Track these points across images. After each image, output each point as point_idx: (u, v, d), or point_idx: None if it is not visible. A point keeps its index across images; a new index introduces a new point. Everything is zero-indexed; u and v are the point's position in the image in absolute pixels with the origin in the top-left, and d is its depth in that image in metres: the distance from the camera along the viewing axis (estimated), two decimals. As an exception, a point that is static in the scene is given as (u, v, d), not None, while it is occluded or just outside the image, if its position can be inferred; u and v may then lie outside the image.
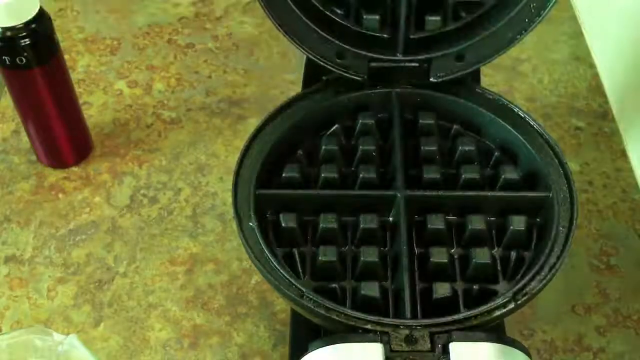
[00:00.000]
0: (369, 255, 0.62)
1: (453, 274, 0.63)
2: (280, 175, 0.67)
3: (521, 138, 0.68)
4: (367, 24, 0.70)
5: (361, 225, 0.63)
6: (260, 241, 0.61)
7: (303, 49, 0.69)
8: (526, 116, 0.69)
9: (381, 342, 0.55)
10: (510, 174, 0.67)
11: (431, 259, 0.62)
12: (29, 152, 0.90)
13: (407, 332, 0.56)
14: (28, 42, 0.76)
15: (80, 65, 1.00)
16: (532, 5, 0.67)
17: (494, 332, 0.57)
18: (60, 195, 0.86)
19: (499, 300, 0.58)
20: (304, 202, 0.65)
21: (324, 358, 0.55)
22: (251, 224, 0.62)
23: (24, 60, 0.77)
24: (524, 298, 0.58)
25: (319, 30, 0.69)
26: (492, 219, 0.65)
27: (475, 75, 0.73)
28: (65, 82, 0.83)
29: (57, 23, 1.03)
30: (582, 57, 1.01)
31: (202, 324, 0.76)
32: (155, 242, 0.82)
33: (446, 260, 0.62)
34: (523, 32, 0.68)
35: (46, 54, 0.79)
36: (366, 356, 0.54)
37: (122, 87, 0.98)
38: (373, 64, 0.70)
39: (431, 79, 0.70)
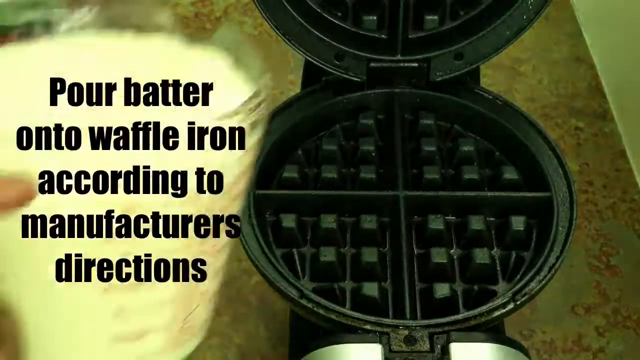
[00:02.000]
0: (369, 255, 0.62)
1: (453, 274, 0.62)
2: (279, 176, 0.67)
3: (521, 138, 0.67)
4: (366, 25, 0.70)
5: (361, 226, 0.63)
6: (260, 241, 0.61)
7: (301, 51, 0.69)
8: (526, 116, 0.69)
9: (380, 342, 0.55)
10: (510, 174, 0.67)
11: (431, 260, 0.62)
12: (29, 153, 0.89)
13: (406, 332, 0.56)
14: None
15: (80, 65, 1.00)
16: (529, 3, 0.67)
17: (494, 332, 0.57)
18: (60, 196, 0.86)
19: (499, 301, 0.58)
20: (304, 203, 0.65)
21: (324, 358, 0.55)
22: (251, 224, 0.62)
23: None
24: (524, 298, 0.58)
25: (317, 33, 0.68)
26: (492, 219, 0.65)
27: (475, 75, 0.73)
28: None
29: (57, 23, 1.03)
30: (582, 57, 1.01)
31: (202, 324, 0.76)
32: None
33: (446, 261, 0.62)
34: (521, 30, 0.68)
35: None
36: (365, 356, 0.54)
37: (122, 87, 0.97)
38: (372, 65, 0.70)
39: (431, 79, 0.70)
